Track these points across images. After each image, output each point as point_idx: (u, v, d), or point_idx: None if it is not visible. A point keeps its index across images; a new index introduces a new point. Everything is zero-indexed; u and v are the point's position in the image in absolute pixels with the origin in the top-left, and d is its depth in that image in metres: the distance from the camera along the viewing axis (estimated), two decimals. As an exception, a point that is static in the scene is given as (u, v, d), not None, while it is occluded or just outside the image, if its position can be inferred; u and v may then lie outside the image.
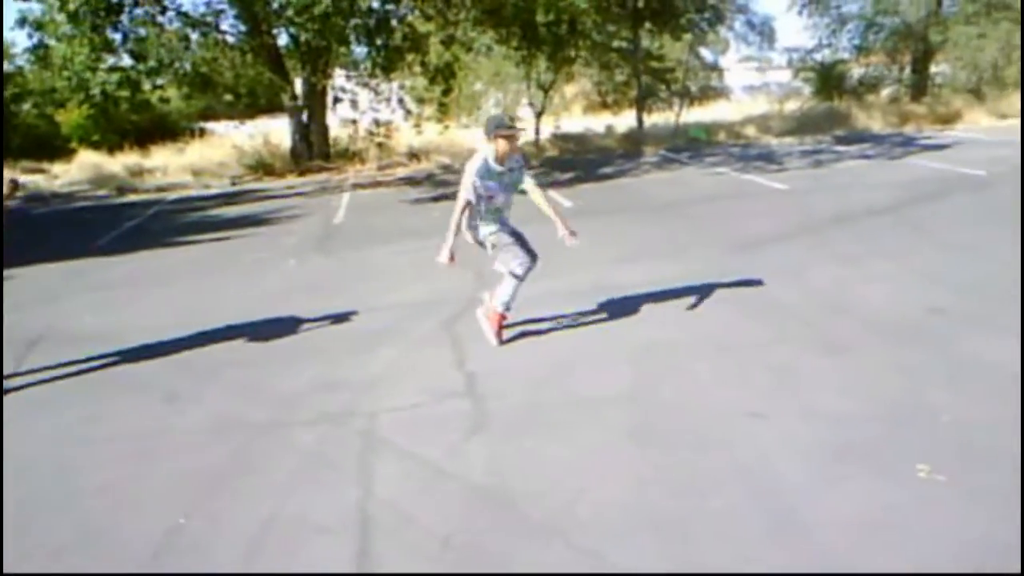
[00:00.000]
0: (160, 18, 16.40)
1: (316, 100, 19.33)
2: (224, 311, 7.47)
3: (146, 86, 15.85)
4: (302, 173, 18.94)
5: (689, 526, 3.43)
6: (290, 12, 14.61)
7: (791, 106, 27.30)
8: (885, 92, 29.53)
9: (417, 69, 18.49)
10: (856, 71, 30.03)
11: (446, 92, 18.92)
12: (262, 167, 19.47)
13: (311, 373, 5.56)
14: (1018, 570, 3.02)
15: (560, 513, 3.60)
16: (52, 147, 25.76)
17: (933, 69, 29.86)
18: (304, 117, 19.56)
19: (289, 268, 9.26)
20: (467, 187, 5.52)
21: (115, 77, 15.13)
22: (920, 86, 28.67)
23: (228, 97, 21.30)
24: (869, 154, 16.83)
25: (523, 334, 6.14)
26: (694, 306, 6.51)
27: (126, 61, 16.06)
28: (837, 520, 3.40)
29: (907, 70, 30.05)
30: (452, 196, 14.16)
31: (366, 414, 4.80)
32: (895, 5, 28.57)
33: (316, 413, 4.86)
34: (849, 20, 30.21)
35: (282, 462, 4.24)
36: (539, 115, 21.92)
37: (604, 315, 6.54)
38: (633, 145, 21.03)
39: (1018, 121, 21.99)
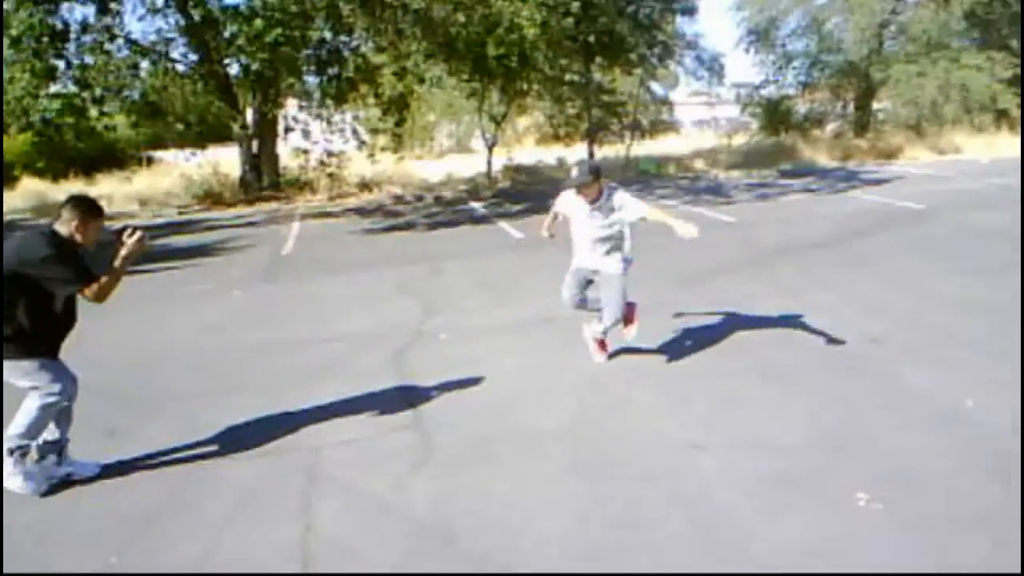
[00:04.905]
0: (108, 45, 16.18)
1: (267, 129, 19.21)
2: (166, 342, 7.36)
3: (92, 113, 15.57)
4: (251, 203, 18.76)
5: (632, 558, 3.43)
6: (241, 41, 14.53)
7: (739, 140, 27.86)
8: (829, 127, 30.25)
9: (371, 100, 18.49)
10: (801, 107, 30.73)
11: (400, 123, 18.95)
12: (211, 196, 19.25)
13: (253, 406, 5.45)
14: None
15: (503, 546, 3.58)
16: (-7, 174, 25.14)
17: (875, 106, 30.71)
18: (255, 146, 19.42)
19: (234, 299, 9.14)
20: None
21: (56, 104, 14.84)
22: (863, 122, 29.44)
23: (179, 125, 21.02)
24: (814, 188, 17.20)
25: (470, 366, 6.10)
26: (639, 337, 6.54)
27: (72, 87, 15.79)
28: (779, 550, 3.43)
29: (850, 106, 30.87)
30: (403, 227, 14.24)
31: (309, 448, 4.73)
32: (839, 44, 29.39)
33: (258, 448, 4.77)
34: (794, 57, 30.98)
35: (221, 498, 4.15)
36: (491, 147, 22.04)
37: (551, 346, 6.54)
38: (584, 177, 21.18)
39: (957, 157, 22.72)
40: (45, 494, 4.24)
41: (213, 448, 4.81)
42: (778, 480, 4.03)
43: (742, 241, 11.06)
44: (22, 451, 4.20)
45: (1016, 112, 26.07)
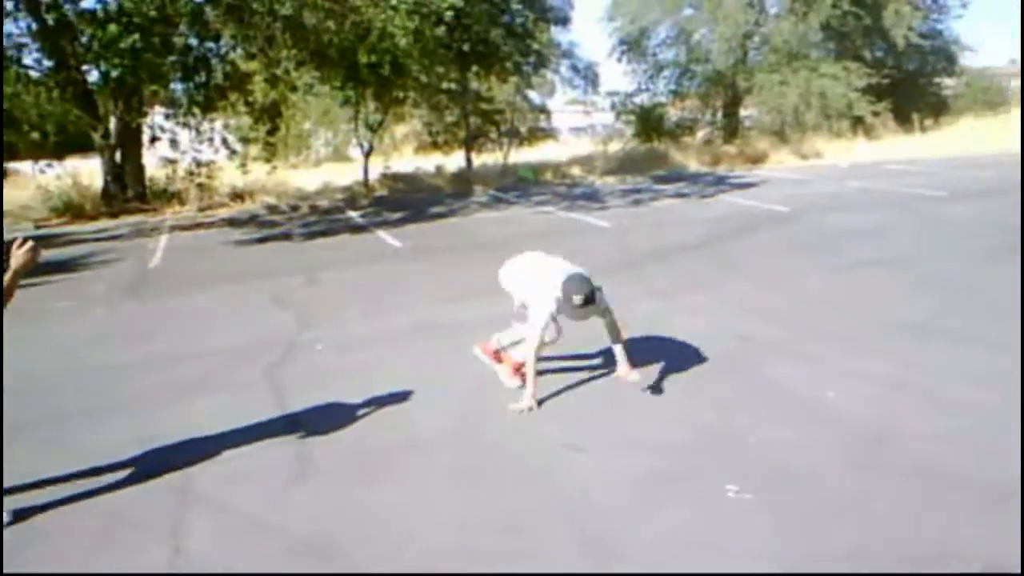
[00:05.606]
0: (-49, 50, 15.19)
1: (131, 139, 18.44)
2: (25, 364, 6.91)
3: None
4: (116, 215, 17.96)
5: (515, 562, 3.44)
6: (96, 46, 13.88)
7: (614, 147, 28.43)
8: (700, 134, 31.32)
9: (241, 108, 18.00)
10: (673, 114, 31.69)
11: (272, 131, 18.51)
12: (71, 209, 18.31)
13: (120, 427, 5.21)
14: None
15: (387, 558, 3.52)
16: None
17: (742, 113, 32.05)
18: (118, 156, 18.60)
19: (98, 316, 8.71)
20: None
21: None
22: (731, 128, 30.65)
23: (34, 135, 19.87)
24: (685, 192, 17.74)
25: (349, 376, 6.00)
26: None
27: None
28: (653, 543, 3.51)
29: (719, 114, 32.09)
30: (278, 237, 13.90)
31: (181, 468, 4.53)
32: (706, 54, 30.55)
33: (124, 470, 4.54)
34: (665, 66, 32.06)
35: (85, 525, 3.93)
36: (367, 155, 21.82)
37: (430, 355, 6.50)
38: (463, 185, 21.27)
39: (818, 162, 23.90)
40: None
41: (76, 472, 4.54)
42: (652, 477, 4.12)
43: (616, 246, 11.29)
44: None
45: (871, 119, 27.68)
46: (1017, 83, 40.87)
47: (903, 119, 29.06)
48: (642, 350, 6.21)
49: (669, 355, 6.10)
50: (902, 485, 3.92)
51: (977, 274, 8.42)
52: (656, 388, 5.32)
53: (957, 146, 24.65)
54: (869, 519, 3.62)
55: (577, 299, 4.93)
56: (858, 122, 27.81)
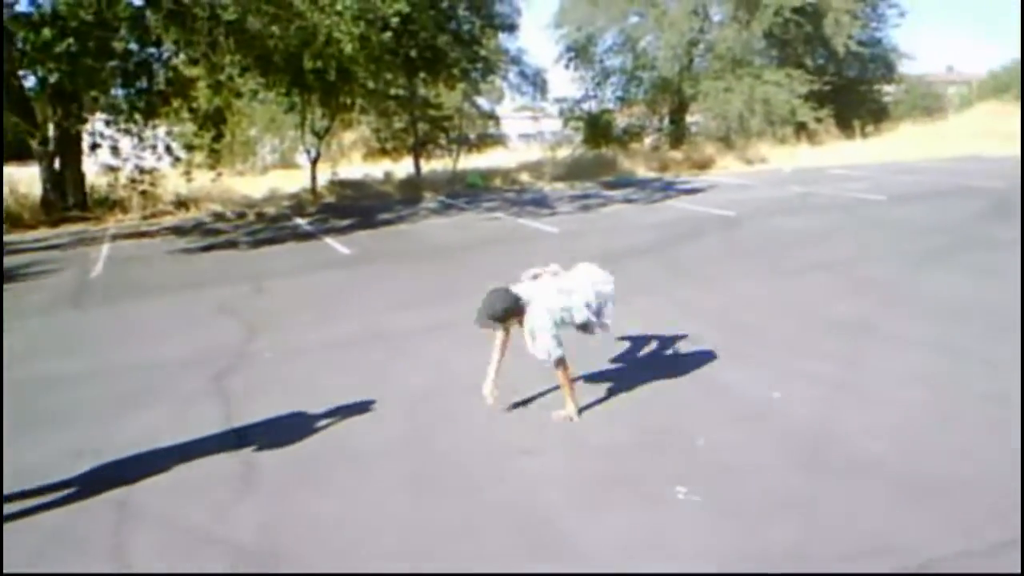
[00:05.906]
0: None
1: (70, 146, 18.00)
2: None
3: None
4: (55, 224, 17.50)
5: (465, 567, 3.42)
6: (30, 50, 13.51)
7: (563, 153, 28.55)
8: (647, 140, 31.61)
9: (185, 114, 17.69)
10: (621, 120, 31.93)
11: (217, 138, 18.21)
12: (8, 218, 17.79)
13: (60, 440, 5.06)
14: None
15: (334, 567, 3.48)
16: None
17: (689, 119, 32.42)
18: (57, 164, 18.14)
19: (38, 327, 8.48)
20: None
21: None
22: (678, 135, 31.00)
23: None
24: (633, 198, 17.88)
25: (297, 385, 5.93)
26: (469, 349, 6.55)
27: None
28: (604, 544, 3.53)
29: (666, 120, 32.41)
30: (223, 245, 13.68)
31: (124, 482, 4.42)
32: (652, 61, 30.85)
33: (65, 485, 4.41)
34: (612, 73, 32.28)
35: (24, 543, 3.81)
36: (314, 162, 21.61)
37: (380, 362, 6.45)
38: (412, 191, 21.19)
39: (763, 167, 24.30)
40: None
41: (13, 488, 4.39)
42: (603, 479, 4.14)
43: (564, 251, 11.29)
44: None
45: (814, 125, 28.25)
46: (954, 90, 42.26)
47: (845, 125, 29.73)
48: (592, 353, 6.24)
49: (619, 358, 6.15)
50: (845, 483, 3.98)
51: (916, 276, 8.64)
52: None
53: (896, 151, 25.28)
54: (813, 518, 3.67)
55: (483, 311, 5.08)
56: (801, 128, 28.37)
